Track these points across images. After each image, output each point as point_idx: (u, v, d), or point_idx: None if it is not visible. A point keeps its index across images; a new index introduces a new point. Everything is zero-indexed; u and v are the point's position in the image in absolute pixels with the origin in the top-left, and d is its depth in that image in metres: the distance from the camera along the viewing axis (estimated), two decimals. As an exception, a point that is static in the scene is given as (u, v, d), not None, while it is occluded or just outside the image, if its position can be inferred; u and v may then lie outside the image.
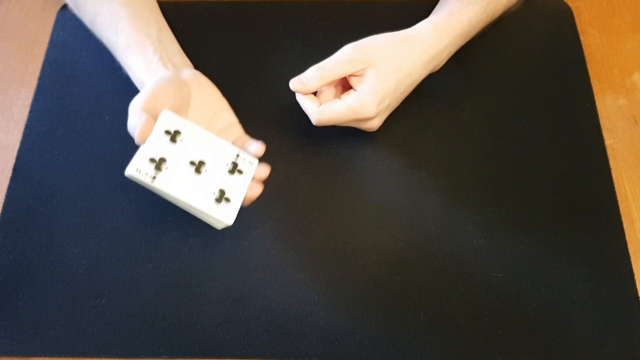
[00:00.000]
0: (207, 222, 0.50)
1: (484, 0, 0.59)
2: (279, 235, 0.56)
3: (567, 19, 0.69)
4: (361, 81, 0.54)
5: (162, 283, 0.54)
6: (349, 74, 0.55)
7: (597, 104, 0.63)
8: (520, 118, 0.62)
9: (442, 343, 0.52)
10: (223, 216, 0.49)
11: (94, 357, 0.52)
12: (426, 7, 0.62)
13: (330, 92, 0.56)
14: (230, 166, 0.50)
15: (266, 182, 0.55)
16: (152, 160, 0.47)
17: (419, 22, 0.59)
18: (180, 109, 0.51)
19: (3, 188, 0.59)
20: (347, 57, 0.54)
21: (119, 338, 0.52)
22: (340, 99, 0.55)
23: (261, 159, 0.52)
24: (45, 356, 0.52)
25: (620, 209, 0.57)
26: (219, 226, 0.50)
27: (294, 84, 0.55)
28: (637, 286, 0.54)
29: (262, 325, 0.52)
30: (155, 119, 0.48)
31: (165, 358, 0.51)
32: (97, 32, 0.60)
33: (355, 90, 0.55)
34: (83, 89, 0.64)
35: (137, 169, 0.46)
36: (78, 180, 0.59)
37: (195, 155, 0.49)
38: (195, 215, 0.50)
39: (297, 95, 0.56)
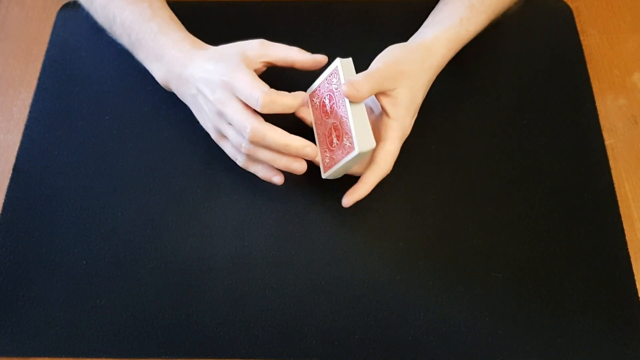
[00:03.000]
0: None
1: (490, 8, 0.59)
2: (279, 235, 0.56)
3: (567, 19, 0.69)
4: (395, 104, 0.53)
5: (162, 283, 0.54)
6: (384, 90, 0.53)
7: (597, 104, 0.63)
8: (520, 118, 0.62)
9: (442, 343, 0.52)
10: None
11: (94, 357, 0.52)
12: (426, 7, 0.62)
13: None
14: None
15: (266, 182, 0.55)
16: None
17: (428, 27, 0.59)
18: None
19: (3, 188, 0.59)
20: (382, 74, 0.52)
21: (119, 338, 0.52)
22: (386, 139, 0.53)
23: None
24: (45, 356, 0.52)
25: (620, 209, 0.57)
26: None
27: (351, 91, 0.50)
28: (637, 286, 0.54)
29: (262, 325, 0.52)
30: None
31: (165, 358, 0.51)
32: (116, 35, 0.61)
33: (389, 118, 0.53)
34: (83, 89, 0.64)
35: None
36: (78, 180, 0.59)
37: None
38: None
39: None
